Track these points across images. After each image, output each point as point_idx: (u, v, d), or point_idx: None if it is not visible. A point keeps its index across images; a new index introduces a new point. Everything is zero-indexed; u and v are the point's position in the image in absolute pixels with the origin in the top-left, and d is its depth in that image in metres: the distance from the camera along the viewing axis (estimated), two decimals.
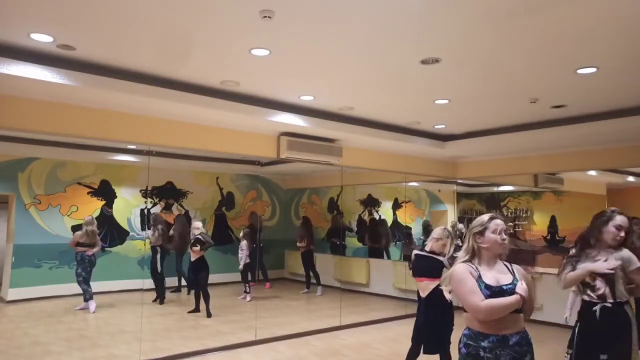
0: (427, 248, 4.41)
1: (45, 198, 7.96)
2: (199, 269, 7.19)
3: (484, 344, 2.41)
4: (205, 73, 4.42)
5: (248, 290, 8.33)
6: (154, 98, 4.54)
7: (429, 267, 4.28)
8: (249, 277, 8.49)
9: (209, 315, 7.01)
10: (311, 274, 9.38)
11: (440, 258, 4.28)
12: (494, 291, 2.40)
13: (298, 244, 9.46)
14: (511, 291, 2.39)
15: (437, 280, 4.19)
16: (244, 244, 8.35)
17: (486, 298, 2.38)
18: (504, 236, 2.52)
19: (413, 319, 4.52)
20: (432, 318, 4.21)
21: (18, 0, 2.98)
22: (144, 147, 6.04)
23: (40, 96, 4.40)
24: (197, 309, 7.21)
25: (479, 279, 2.45)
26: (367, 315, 7.46)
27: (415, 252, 4.52)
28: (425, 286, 4.28)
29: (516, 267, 2.55)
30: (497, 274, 2.48)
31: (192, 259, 7.24)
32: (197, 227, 7.37)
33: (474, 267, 2.50)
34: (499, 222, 2.54)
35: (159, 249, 7.98)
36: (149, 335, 5.77)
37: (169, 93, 4.60)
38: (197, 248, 7.15)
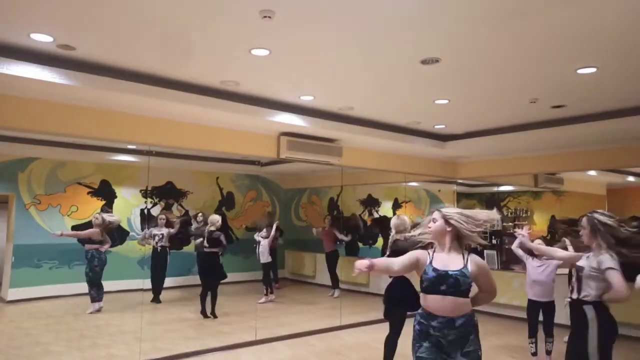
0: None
1: (45, 198, 7.95)
2: (215, 269, 7.07)
3: (434, 323, 2.71)
4: (205, 73, 4.43)
5: (267, 292, 8.34)
6: (154, 98, 4.54)
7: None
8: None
9: (214, 316, 7.00)
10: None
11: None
12: (439, 274, 2.71)
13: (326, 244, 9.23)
14: (455, 277, 2.68)
15: None
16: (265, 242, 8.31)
17: (432, 279, 2.72)
18: (429, 225, 2.87)
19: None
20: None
21: (18, 0, 2.98)
22: (144, 147, 6.04)
23: (40, 96, 4.40)
24: (204, 312, 7.07)
25: (429, 263, 2.78)
26: (367, 315, 7.45)
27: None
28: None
29: (472, 258, 2.79)
30: (448, 261, 2.75)
31: (207, 259, 7.09)
32: (215, 222, 7.17)
33: (429, 253, 2.85)
34: (431, 216, 2.90)
35: (168, 250, 8.01)
36: (149, 335, 5.77)
37: (169, 93, 4.61)
38: (216, 249, 7.05)
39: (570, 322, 3.56)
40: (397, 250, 4.44)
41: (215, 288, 7.05)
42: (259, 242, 8.31)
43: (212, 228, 7.11)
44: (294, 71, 4.32)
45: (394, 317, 4.72)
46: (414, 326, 2.84)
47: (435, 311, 2.70)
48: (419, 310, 2.84)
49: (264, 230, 8.35)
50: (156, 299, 7.84)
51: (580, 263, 3.51)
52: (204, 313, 7.04)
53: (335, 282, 9.03)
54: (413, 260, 2.83)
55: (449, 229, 2.79)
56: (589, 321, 3.36)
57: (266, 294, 8.30)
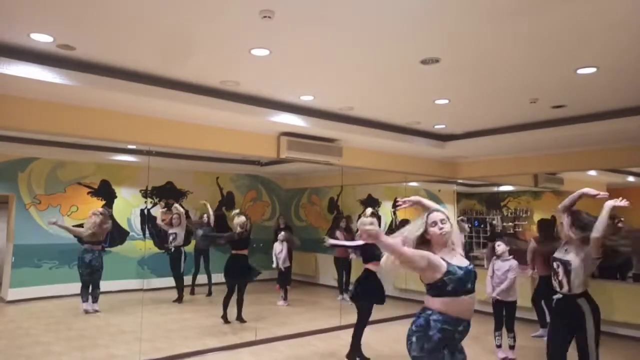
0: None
1: (45, 198, 7.95)
2: (245, 271, 6.82)
3: (460, 328, 2.63)
4: (205, 73, 4.42)
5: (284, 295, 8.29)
6: (154, 98, 4.54)
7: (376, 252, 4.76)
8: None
9: (242, 320, 6.83)
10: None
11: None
12: (467, 270, 2.66)
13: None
14: (475, 273, 2.72)
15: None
16: (283, 246, 8.22)
17: (462, 278, 2.62)
18: (443, 226, 2.72)
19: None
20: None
21: (18, 0, 2.98)
22: (144, 147, 6.04)
23: (40, 96, 4.40)
24: (226, 317, 6.79)
25: (449, 263, 2.65)
26: None
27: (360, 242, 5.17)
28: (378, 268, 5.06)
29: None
30: (460, 260, 2.71)
31: (239, 260, 6.81)
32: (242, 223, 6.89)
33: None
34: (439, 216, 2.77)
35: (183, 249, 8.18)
36: (149, 335, 5.77)
37: (169, 93, 4.60)
38: (246, 250, 6.84)
39: (558, 317, 3.80)
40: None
41: (243, 290, 6.86)
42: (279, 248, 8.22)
43: (239, 229, 6.82)
44: (294, 71, 4.31)
45: (364, 308, 5.23)
46: (432, 334, 2.58)
47: (463, 314, 2.61)
48: (438, 317, 2.60)
49: (282, 234, 8.31)
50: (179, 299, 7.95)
51: (564, 257, 3.75)
52: (225, 318, 6.76)
53: (347, 287, 8.77)
54: (425, 258, 2.59)
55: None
56: (585, 313, 3.62)
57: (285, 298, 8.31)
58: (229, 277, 6.85)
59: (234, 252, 6.82)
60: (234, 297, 6.82)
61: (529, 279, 7.20)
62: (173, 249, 8.06)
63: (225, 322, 6.74)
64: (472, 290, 2.66)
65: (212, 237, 7.98)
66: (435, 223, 2.72)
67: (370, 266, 5.19)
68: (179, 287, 8.03)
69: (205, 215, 8.35)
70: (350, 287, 5.59)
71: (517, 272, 5.47)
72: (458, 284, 2.60)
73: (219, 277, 8.13)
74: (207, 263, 8.50)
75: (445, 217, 2.75)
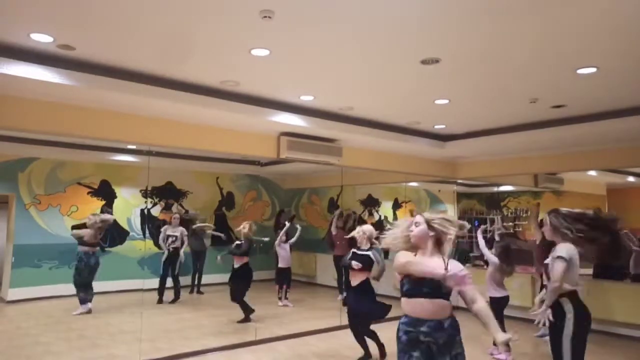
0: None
1: (45, 198, 7.96)
2: (242, 277, 6.85)
3: (423, 329, 2.66)
4: (205, 73, 4.42)
5: (285, 295, 8.27)
6: (154, 98, 4.54)
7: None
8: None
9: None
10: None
11: (369, 253, 5.03)
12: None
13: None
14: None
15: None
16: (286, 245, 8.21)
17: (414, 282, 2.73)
18: (411, 229, 2.83)
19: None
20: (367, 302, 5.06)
21: (18, 0, 2.98)
22: (144, 147, 6.05)
23: (40, 96, 4.40)
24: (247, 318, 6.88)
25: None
26: None
27: (352, 250, 5.18)
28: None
29: (452, 262, 2.74)
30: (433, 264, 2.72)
31: (236, 266, 6.86)
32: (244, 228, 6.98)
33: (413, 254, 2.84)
34: (412, 220, 2.87)
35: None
36: (149, 335, 5.77)
37: (169, 93, 4.60)
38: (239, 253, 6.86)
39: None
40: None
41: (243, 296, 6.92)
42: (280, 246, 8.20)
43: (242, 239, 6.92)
44: (294, 71, 4.31)
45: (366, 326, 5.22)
46: (399, 337, 2.78)
47: (422, 315, 2.68)
48: (403, 319, 2.80)
49: (283, 234, 8.28)
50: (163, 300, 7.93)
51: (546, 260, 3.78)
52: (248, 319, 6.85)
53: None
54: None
55: (431, 233, 2.79)
56: (566, 313, 3.56)
57: (286, 297, 8.29)
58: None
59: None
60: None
61: (529, 278, 7.21)
62: (171, 250, 8.06)
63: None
64: (430, 294, 2.67)
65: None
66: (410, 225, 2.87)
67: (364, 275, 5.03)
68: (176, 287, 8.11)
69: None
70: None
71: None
72: (413, 286, 2.72)
73: (216, 278, 8.20)
74: (202, 264, 8.59)
75: (420, 220, 2.83)
